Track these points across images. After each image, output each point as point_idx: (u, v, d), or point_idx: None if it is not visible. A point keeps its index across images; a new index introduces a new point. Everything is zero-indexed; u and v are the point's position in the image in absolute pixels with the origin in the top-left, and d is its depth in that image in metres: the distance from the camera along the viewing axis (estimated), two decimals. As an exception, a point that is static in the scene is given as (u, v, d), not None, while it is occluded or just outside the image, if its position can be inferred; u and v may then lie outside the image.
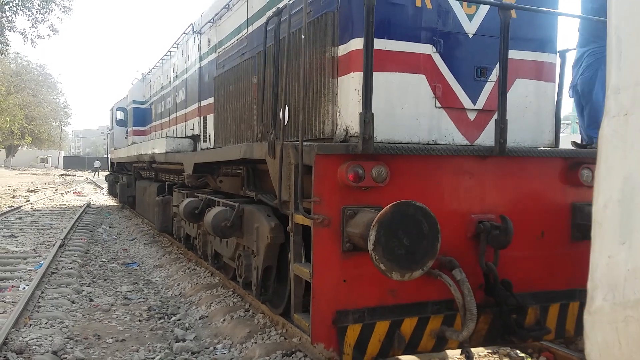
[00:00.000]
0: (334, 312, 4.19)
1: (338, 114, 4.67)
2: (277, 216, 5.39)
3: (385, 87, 4.57)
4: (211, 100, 8.56)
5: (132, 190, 17.16)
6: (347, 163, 4.10)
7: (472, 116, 4.92)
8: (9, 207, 19.67)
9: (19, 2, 23.99)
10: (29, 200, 23.02)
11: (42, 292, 7.51)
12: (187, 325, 6.46)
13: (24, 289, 7.65)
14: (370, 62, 4.02)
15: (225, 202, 6.49)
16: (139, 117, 17.02)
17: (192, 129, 10.03)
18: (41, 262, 9.32)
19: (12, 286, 7.86)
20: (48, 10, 25.28)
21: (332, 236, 4.15)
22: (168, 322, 6.59)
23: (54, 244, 11.10)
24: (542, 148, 5.00)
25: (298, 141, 4.30)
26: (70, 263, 9.58)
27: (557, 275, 4.95)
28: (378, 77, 4.43)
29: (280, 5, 5.29)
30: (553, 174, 4.93)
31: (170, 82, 12.47)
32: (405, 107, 4.67)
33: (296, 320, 4.61)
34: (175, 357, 5.44)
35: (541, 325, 4.82)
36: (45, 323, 6.25)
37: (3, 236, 12.64)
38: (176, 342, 5.78)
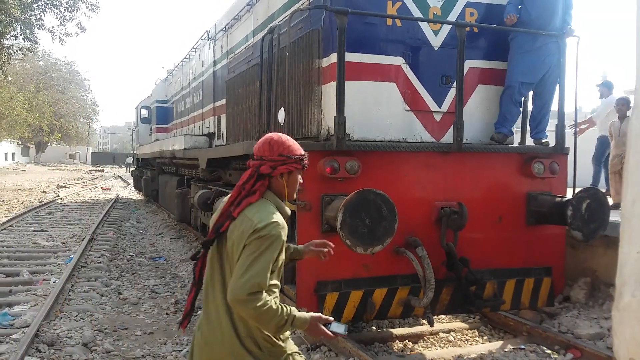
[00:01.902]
0: (315, 283, 5.03)
1: (322, 116, 5.49)
2: (274, 204, 6.22)
3: (361, 94, 5.39)
4: (224, 101, 9.41)
5: (155, 184, 18.11)
6: (325, 158, 4.94)
7: (438, 117, 5.71)
8: (40, 202, 19.95)
9: (47, 0, 24.53)
10: (58, 196, 23.15)
11: (72, 286, 7.68)
12: (213, 318, 6.83)
13: (54, 282, 7.78)
14: (343, 74, 4.86)
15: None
16: (161, 115, 17.89)
17: (208, 127, 10.90)
18: (71, 256, 9.46)
19: (43, 279, 8.01)
20: (76, 9, 25.50)
21: (313, 219, 4.99)
22: (195, 316, 6.98)
23: (83, 239, 11.30)
24: (496, 145, 5.78)
25: (291, 139, 5.15)
26: (99, 257, 9.78)
27: (513, 255, 5.73)
28: (354, 85, 5.29)
29: (273, 24, 6.15)
30: (509, 167, 5.72)
31: (189, 83, 13.37)
32: (379, 110, 5.48)
33: (285, 291, 5.45)
34: (201, 351, 5.78)
35: (497, 297, 5.60)
36: (76, 316, 6.40)
37: (34, 230, 12.93)
38: (203, 335, 6.16)
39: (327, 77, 5.43)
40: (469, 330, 5.97)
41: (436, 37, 5.66)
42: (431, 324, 5.29)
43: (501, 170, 5.68)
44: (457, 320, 6.29)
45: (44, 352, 5.24)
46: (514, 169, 5.72)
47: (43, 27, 25.16)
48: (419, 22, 5.57)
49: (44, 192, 26.02)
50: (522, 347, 5.45)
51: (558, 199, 5.55)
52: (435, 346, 5.62)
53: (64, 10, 25.18)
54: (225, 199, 2.56)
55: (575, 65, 5.85)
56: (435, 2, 5.63)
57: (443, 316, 6.23)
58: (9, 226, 13.39)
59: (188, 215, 11.57)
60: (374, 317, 5.28)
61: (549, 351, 5.38)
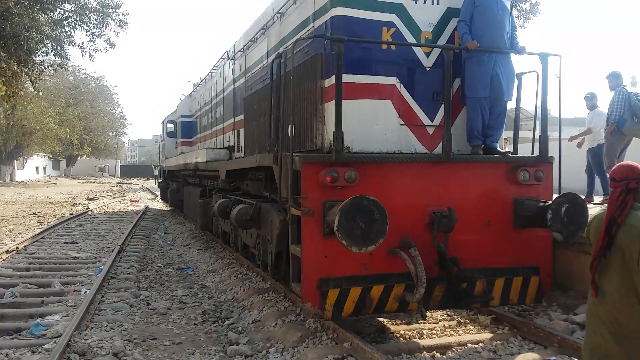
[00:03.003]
0: (318, 280, 5.62)
1: (325, 131, 6.09)
2: (285, 211, 6.83)
3: (359, 111, 6.01)
4: (242, 116, 10.06)
5: (180, 195, 18.84)
6: (325, 169, 5.56)
7: (430, 131, 6.30)
8: (70, 214, 20.50)
9: (77, 17, 25.33)
10: (88, 208, 23.79)
11: (102, 296, 7.88)
12: (240, 329, 6.76)
13: (85, 293, 7.98)
14: (340, 94, 5.47)
15: (247, 200, 8.02)
16: (186, 130, 18.63)
17: (229, 141, 11.57)
18: (101, 267, 9.69)
19: (74, 290, 8.19)
20: (105, 25, 26.39)
21: (316, 223, 5.59)
22: (222, 326, 6.93)
23: (113, 250, 11.61)
24: (481, 155, 6.35)
25: (297, 152, 5.79)
26: (128, 268, 10.04)
27: (502, 255, 6.25)
28: (353, 103, 5.91)
29: (282, 48, 6.81)
30: (497, 175, 6.26)
31: (211, 99, 14.10)
32: (375, 125, 6.09)
33: (293, 287, 6.05)
34: (229, 360, 5.68)
35: (487, 293, 6.13)
36: (106, 326, 6.55)
37: (65, 242, 13.31)
38: (230, 345, 6.08)
39: (329, 96, 6.03)
40: (499, 342, 5.94)
41: (428, 59, 6.26)
42: (424, 317, 5.84)
43: (489, 177, 6.22)
44: (486, 331, 6.35)
45: (75, 362, 5.46)
46: (502, 176, 6.26)
47: (73, 44, 26.03)
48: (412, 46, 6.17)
49: (75, 204, 26.65)
50: (553, 358, 5.43)
51: (541, 204, 6.07)
52: (464, 358, 5.59)
53: (94, 26, 26.06)
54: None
55: (559, 82, 6.41)
56: (427, 27, 6.24)
57: (472, 327, 6.52)
58: (41, 238, 13.83)
59: (210, 224, 12.26)
60: (372, 312, 5.84)
61: (575, 359, 5.31)
